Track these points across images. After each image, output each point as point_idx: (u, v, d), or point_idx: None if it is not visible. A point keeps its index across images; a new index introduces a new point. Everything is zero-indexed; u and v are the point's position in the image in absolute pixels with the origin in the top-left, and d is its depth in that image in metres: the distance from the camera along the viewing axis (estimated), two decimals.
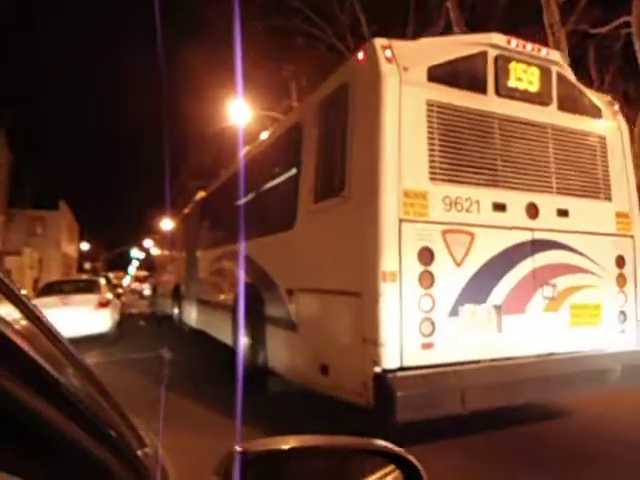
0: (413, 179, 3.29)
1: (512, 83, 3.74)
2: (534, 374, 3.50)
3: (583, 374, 3.65)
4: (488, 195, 3.54)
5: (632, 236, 4.12)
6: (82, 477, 0.49)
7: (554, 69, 3.92)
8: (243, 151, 6.82)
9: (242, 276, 5.74)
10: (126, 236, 56.68)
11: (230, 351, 6.15)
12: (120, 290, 22.40)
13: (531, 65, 3.81)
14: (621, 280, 3.99)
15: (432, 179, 3.36)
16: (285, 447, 0.78)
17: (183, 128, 29.19)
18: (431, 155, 3.38)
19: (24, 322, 0.47)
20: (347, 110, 3.63)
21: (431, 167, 3.37)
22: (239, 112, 17.29)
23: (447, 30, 17.76)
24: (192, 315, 9.32)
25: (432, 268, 3.27)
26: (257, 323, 5.09)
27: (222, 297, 6.78)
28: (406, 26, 18.90)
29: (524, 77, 3.78)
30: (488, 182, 3.56)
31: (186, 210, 11.57)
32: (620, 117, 4.27)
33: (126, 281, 44.34)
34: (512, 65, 3.74)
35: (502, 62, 3.70)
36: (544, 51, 3.88)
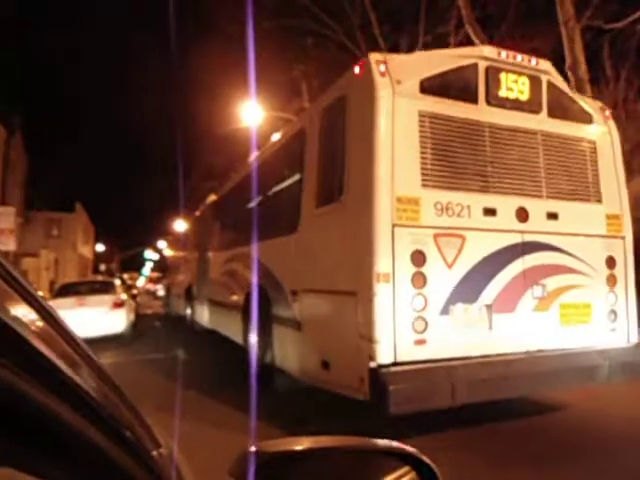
0: (406, 186, 3.54)
1: (503, 93, 3.97)
2: (523, 370, 3.74)
3: (571, 370, 3.88)
4: (479, 200, 3.78)
5: (623, 237, 4.32)
6: (97, 477, 0.50)
7: (544, 78, 4.14)
8: (251, 157, 7.13)
9: (254, 278, 6.04)
10: (140, 237, 57.70)
11: (241, 350, 6.46)
12: (135, 291, 22.95)
13: (521, 75, 4.04)
14: (612, 280, 4.20)
15: (424, 186, 3.61)
16: (299, 448, 0.80)
17: (196, 130, 29.68)
18: (423, 163, 3.63)
19: (40, 323, 0.47)
20: (345, 120, 3.90)
21: (423, 174, 3.62)
22: (251, 113, 17.53)
23: (458, 28, 17.87)
24: (204, 315, 9.68)
25: (424, 269, 3.52)
26: (264, 323, 5.38)
27: (232, 298, 7.10)
28: (417, 24, 18.98)
29: (514, 86, 4.01)
30: (479, 188, 3.80)
31: (197, 212, 11.94)
32: (611, 122, 4.47)
33: (140, 282, 45.27)
34: (502, 75, 3.97)
35: (493, 73, 3.94)
36: (534, 61, 4.10)
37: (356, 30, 19.42)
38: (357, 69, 3.81)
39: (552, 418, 4.25)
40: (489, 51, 3.97)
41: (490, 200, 3.82)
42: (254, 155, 7.11)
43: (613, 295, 4.20)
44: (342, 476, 0.87)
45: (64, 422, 0.43)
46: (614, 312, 4.19)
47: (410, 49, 19.23)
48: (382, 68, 3.61)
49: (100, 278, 17.61)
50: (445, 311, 3.59)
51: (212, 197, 10.11)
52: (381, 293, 3.38)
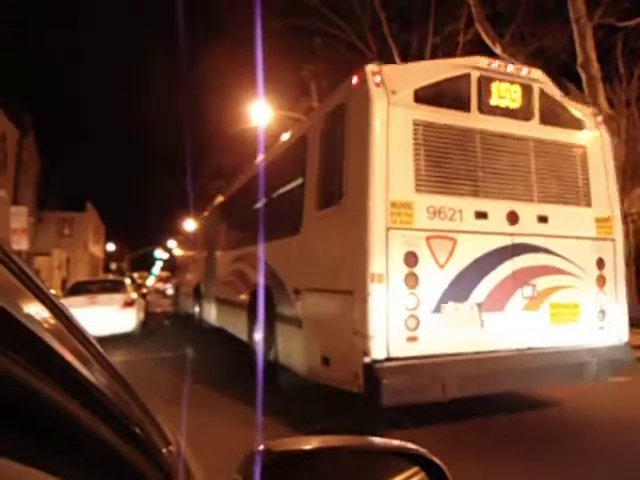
0: (400, 191, 3.78)
1: (494, 101, 4.20)
2: (513, 366, 3.96)
3: (560, 367, 4.09)
4: (471, 204, 4.00)
5: (613, 239, 4.52)
6: (108, 474, 0.50)
7: (536, 86, 4.35)
8: (256, 159, 7.41)
9: (261, 277, 6.31)
10: (150, 237, 58.62)
11: (246, 348, 6.74)
12: (145, 290, 23.39)
13: (513, 83, 4.26)
14: (601, 281, 4.40)
15: (417, 191, 3.85)
16: (307, 447, 0.81)
17: (205, 130, 30.09)
18: (417, 169, 3.87)
19: (53, 321, 0.48)
20: (343, 127, 4.15)
21: (417, 180, 3.85)
22: (260, 113, 17.77)
23: (468, 26, 17.97)
24: (211, 314, 10.00)
25: (417, 270, 3.76)
26: (269, 321, 5.65)
27: (238, 297, 7.38)
28: (427, 23, 19.11)
29: (506, 95, 4.23)
30: (471, 192, 4.03)
31: (205, 213, 12.27)
32: (603, 128, 4.67)
33: (150, 281, 45.96)
34: (494, 84, 4.19)
35: (485, 82, 4.16)
36: (525, 70, 4.32)
37: (366, 30, 19.58)
38: (354, 79, 4.06)
39: (543, 414, 4.47)
40: (481, 61, 4.20)
41: (481, 204, 4.04)
42: (259, 158, 7.39)
43: (603, 295, 4.40)
44: (350, 476, 0.88)
45: (75, 419, 0.43)
46: (604, 312, 4.39)
47: (420, 48, 19.39)
48: (377, 79, 3.85)
49: (111, 277, 18.01)
50: (437, 310, 3.82)
51: (219, 198, 10.43)
52: (375, 292, 3.62)
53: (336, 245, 4.17)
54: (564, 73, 15.05)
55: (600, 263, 4.42)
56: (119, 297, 10.66)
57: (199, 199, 24.97)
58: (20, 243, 16.21)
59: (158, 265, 63.19)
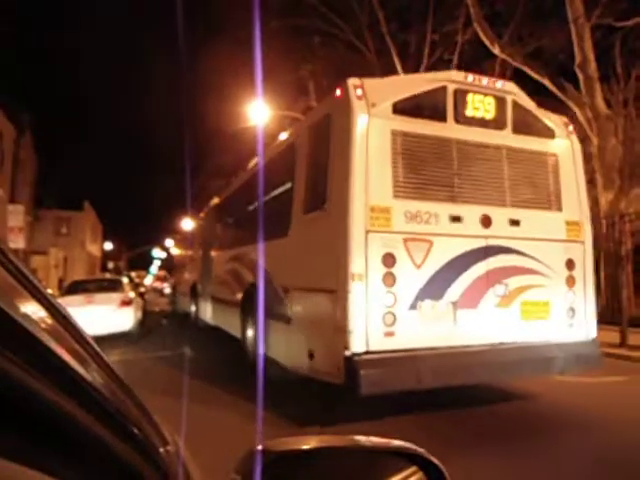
0: (379, 196, 4.15)
1: (469, 112, 4.56)
2: (485, 360, 4.33)
3: (529, 361, 4.46)
4: (446, 209, 4.37)
5: (582, 242, 4.89)
6: (105, 474, 0.51)
7: (509, 98, 4.72)
8: (250, 164, 7.79)
9: (259, 276, 6.69)
10: (148, 236, 59.09)
11: (241, 344, 7.11)
12: (142, 289, 23.79)
13: (487, 95, 4.63)
14: (571, 280, 4.77)
15: (395, 196, 4.22)
16: (306, 447, 0.82)
17: (204, 129, 30.46)
18: (395, 176, 4.24)
19: (50, 320, 0.48)
20: (327, 136, 4.52)
21: (395, 186, 4.22)
22: (258, 112, 18.05)
23: (466, 26, 18.28)
24: (207, 312, 10.39)
25: (394, 270, 4.13)
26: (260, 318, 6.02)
27: (232, 295, 7.76)
28: (425, 23, 19.39)
29: (481, 106, 4.59)
30: (446, 197, 4.40)
31: (202, 214, 12.67)
32: (574, 137, 5.04)
33: (148, 280, 46.49)
34: (470, 96, 4.56)
35: (460, 94, 4.53)
36: (499, 83, 4.69)
37: (364, 29, 19.85)
38: (338, 92, 4.43)
39: (517, 406, 4.85)
40: (456, 75, 4.56)
41: (456, 209, 4.41)
42: (252, 163, 7.78)
43: (572, 294, 4.77)
44: (349, 476, 0.89)
45: (73, 419, 0.44)
46: (573, 309, 4.76)
47: (418, 48, 19.70)
48: (359, 92, 4.22)
49: (108, 276, 18.31)
50: (413, 307, 4.19)
51: (215, 199, 10.82)
52: (355, 291, 3.99)
53: (320, 247, 4.54)
54: (562, 73, 15.36)
55: (570, 264, 4.79)
56: (116, 296, 10.80)
57: (198, 198, 25.38)
58: (17, 242, 16.54)
59: (156, 264, 63.84)
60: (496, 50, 16.07)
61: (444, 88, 4.51)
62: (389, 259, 4.12)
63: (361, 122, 4.17)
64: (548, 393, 5.17)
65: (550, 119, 5.01)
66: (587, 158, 18.58)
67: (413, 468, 0.88)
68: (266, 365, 5.88)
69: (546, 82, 15.01)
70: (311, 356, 4.58)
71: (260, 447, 0.79)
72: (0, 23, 16.72)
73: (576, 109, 14.52)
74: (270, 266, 5.86)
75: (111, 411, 0.53)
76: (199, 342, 10.02)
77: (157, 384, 5.64)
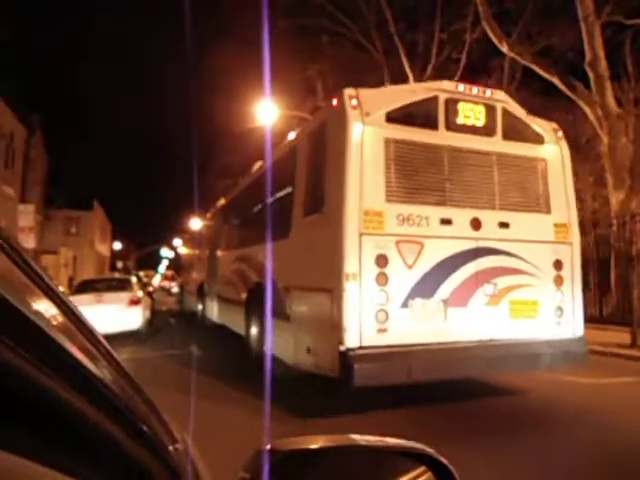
0: (372, 201, 4.47)
1: (460, 120, 4.87)
2: (473, 355, 4.64)
3: (517, 357, 4.76)
4: (437, 212, 4.68)
5: (570, 243, 5.17)
6: (115, 471, 0.52)
7: (499, 105, 5.02)
8: (254, 167, 8.15)
9: (255, 276, 7.05)
10: (156, 235, 60.08)
11: (246, 342, 7.47)
12: (151, 288, 24.30)
13: (477, 104, 4.93)
14: (558, 280, 5.06)
15: (388, 201, 4.54)
16: (314, 446, 0.83)
17: (212, 129, 30.97)
18: (388, 181, 4.56)
19: (61, 318, 0.50)
20: (325, 143, 4.85)
21: (387, 191, 4.54)
22: (266, 112, 18.34)
23: (475, 25, 18.43)
24: (214, 311, 10.78)
25: (387, 270, 4.45)
26: (263, 316, 6.37)
27: (237, 294, 8.13)
28: (433, 21, 19.58)
29: (471, 114, 4.90)
30: (437, 201, 4.71)
31: (208, 214, 13.09)
32: (563, 142, 5.32)
33: (156, 280, 47.22)
34: (460, 105, 4.87)
35: (451, 103, 4.84)
36: (489, 92, 4.99)
37: (372, 29, 20.05)
38: (335, 101, 4.76)
39: (507, 401, 5.16)
40: (447, 85, 4.87)
41: (447, 212, 4.72)
42: (256, 166, 8.14)
43: (560, 293, 5.06)
44: (357, 475, 0.90)
45: (83, 415, 0.45)
46: (561, 308, 5.05)
47: (426, 47, 19.90)
48: (354, 102, 4.55)
49: (117, 275, 18.76)
50: (405, 305, 4.51)
51: (221, 201, 11.21)
52: (349, 289, 4.32)
53: (318, 248, 4.87)
54: (572, 72, 15.46)
55: (558, 264, 5.07)
56: (125, 295, 11.06)
57: (206, 198, 25.81)
58: (28, 241, 17.02)
59: (164, 264, 64.66)
60: (505, 49, 16.14)
61: (436, 97, 4.81)
62: (382, 260, 4.44)
63: (356, 130, 4.49)
64: (555, 393, 5.35)
65: (539, 125, 5.29)
66: (597, 157, 18.71)
67: (422, 468, 0.89)
68: (269, 362, 6.22)
69: (555, 80, 15.10)
70: (309, 352, 4.92)
71: (268, 446, 0.81)
72: (8, 24, 17.24)
73: (586, 108, 14.61)
74: (273, 266, 6.20)
75: (121, 408, 0.55)
76: (206, 340, 10.34)
77: (165, 382, 5.82)
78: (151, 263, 64.36)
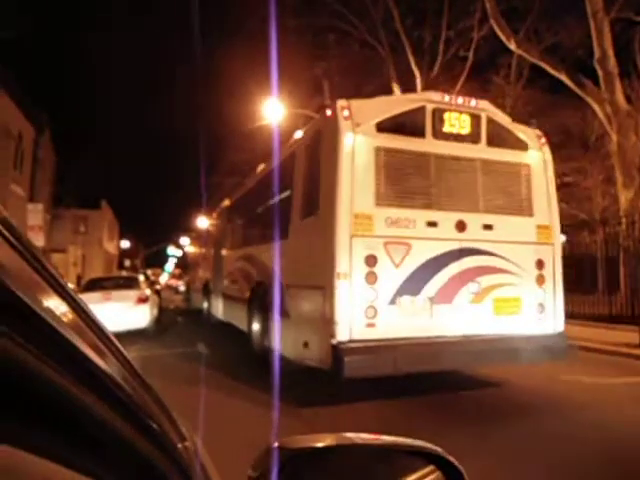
0: (362, 205, 4.92)
1: (447, 128, 5.30)
2: (457, 349, 5.08)
3: (499, 351, 5.19)
4: (423, 215, 5.12)
5: (552, 244, 5.59)
6: (125, 468, 0.53)
7: (483, 114, 5.44)
8: (257, 170, 8.64)
9: (257, 274, 7.53)
10: (164, 234, 60.96)
11: (248, 337, 7.95)
12: (158, 287, 24.92)
13: (463, 113, 5.36)
14: (540, 279, 5.48)
15: (377, 205, 4.98)
16: (323, 445, 0.86)
17: (220, 127, 31.55)
18: (377, 187, 5.00)
19: (72, 315, 0.51)
20: (320, 151, 5.31)
21: (377, 196, 4.99)
22: (273, 110, 18.74)
23: (482, 22, 18.69)
24: (219, 308, 11.31)
25: (376, 269, 4.90)
26: (265, 313, 6.86)
27: (240, 293, 8.63)
28: (440, 19, 19.87)
29: (457, 123, 5.33)
30: (424, 205, 5.15)
31: (214, 214, 13.64)
32: (546, 148, 5.73)
33: (163, 278, 48.11)
34: (447, 114, 5.30)
35: (438, 113, 5.27)
36: (474, 102, 5.42)
37: (378, 27, 20.34)
38: (328, 111, 5.21)
39: (490, 392, 5.60)
40: (434, 95, 5.30)
41: (433, 215, 5.16)
42: (259, 169, 8.63)
43: (541, 291, 5.48)
44: (365, 474, 0.91)
45: (92, 412, 0.46)
46: (542, 305, 5.47)
47: (433, 45, 20.21)
48: (346, 113, 5.00)
49: (125, 274, 19.26)
50: (393, 302, 4.96)
51: (225, 202, 11.73)
52: (340, 287, 4.78)
53: (313, 249, 5.33)
54: (580, 69, 15.68)
55: (540, 264, 5.49)
56: (133, 294, 11.35)
57: (213, 196, 26.38)
58: (37, 240, 17.60)
59: (171, 262, 65.62)
60: (512, 46, 16.30)
61: (423, 108, 5.25)
62: (371, 260, 4.89)
63: (347, 140, 4.94)
64: (557, 392, 5.59)
65: (523, 132, 5.71)
66: (607, 155, 18.92)
67: (430, 467, 0.91)
68: (270, 357, 6.70)
69: (564, 78, 15.26)
70: (306, 346, 5.38)
71: (277, 444, 0.82)
72: (18, 23, 17.83)
73: (595, 105, 14.78)
74: (274, 265, 6.67)
75: (131, 406, 0.56)
76: (212, 338, 10.76)
77: (173, 379, 6.01)
78: (159, 261, 65.65)
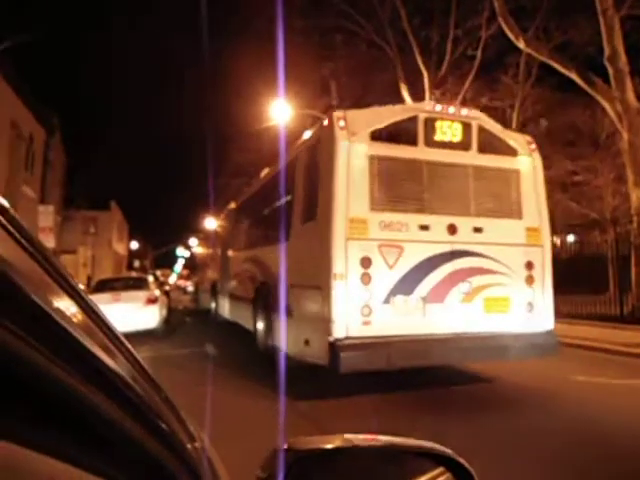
0: (357, 210, 5.32)
1: (439, 136, 5.69)
2: (448, 346, 5.46)
3: (488, 348, 5.57)
4: (415, 219, 5.51)
5: (541, 245, 5.95)
6: (134, 468, 0.54)
7: (474, 123, 5.82)
8: (261, 175, 9.09)
9: (261, 275, 7.96)
10: (172, 235, 61.91)
11: (253, 336, 8.39)
12: (167, 287, 25.50)
13: (454, 121, 5.74)
14: (529, 279, 5.84)
15: (372, 209, 5.38)
16: (331, 446, 0.87)
17: (226, 128, 32.05)
18: (372, 192, 5.40)
19: (82, 316, 0.52)
20: (318, 159, 5.72)
21: (371, 201, 5.39)
22: (280, 111, 19.12)
23: (490, 21, 18.90)
24: (225, 308, 11.79)
25: (370, 271, 5.30)
26: (268, 312, 7.29)
27: (245, 293, 9.08)
28: (448, 18, 20.11)
29: (448, 131, 5.71)
30: (416, 209, 5.54)
31: (221, 216, 14.15)
32: (536, 154, 6.09)
33: (172, 279, 48.93)
34: (438, 123, 5.69)
35: (430, 122, 5.66)
36: (465, 111, 5.80)
37: (386, 27, 20.60)
38: (326, 121, 5.62)
39: (481, 387, 5.98)
40: (427, 105, 5.70)
41: (425, 219, 5.55)
42: (263, 173, 9.08)
43: (531, 291, 5.84)
44: (374, 476, 0.94)
45: (102, 412, 0.47)
46: (531, 304, 5.83)
47: (440, 44, 20.46)
48: (342, 123, 5.40)
49: (134, 275, 19.72)
50: (387, 301, 5.35)
51: (232, 205, 12.20)
52: (337, 287, 5.18)
53: (312, 251, 5.74)
54: (590, 67, 15.83)
55: (529, 265, 5.86)
56: (142, 294, 11.67)
57: (221, 197, 26.86)
58: (47, 241, 18.16)
59: (180, 263, 66.57)
60: (521, 45, 16.43)
61: (415, 117, 5.64)
62: (366, 261, 5.29)
63: (343, 148, 5.35)
64: (561, 392, 5.73)
65: (514, 139, 6.08)
66: (618, 154, 19.04)
67: (440, 469, 0.91)
68: (274, 354, 7.12)
69: (573, 76, 15.37)
70: (306, 343, 5.79)
71: (285, 446, 0.83)
72: (32, 27, 18.42)
73: (605, 104, 14.91)
74: (277, 267, 7.10)
75: (141, 406, 0.57)
76: (220, 337, 11.12)
77: (182, 379, 6.22)
78: (167, 262, 66.68)
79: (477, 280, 5.67)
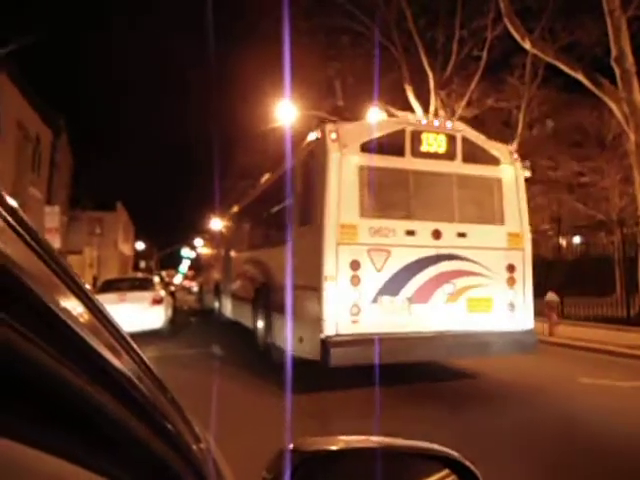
0: (348, 217, 5.90)
1: (424, 148, 6.25)
2: (433, 343, 6.03)
3: (471, 345, 6.13)
4: (402, 225, 6.08)
5: (522, 249, 6.50)
6: (140, 469, 0.55)
7: (458, 135, 6.39)
8: (262, 180, 9.71)
9: (261, 276, 8.57)
10: (178, 236, 62.88)
11: (253, 334, 8.98)
12: (173, 288, 26.21)
13: (439, 134, 6.30)
14: (511, 281, 6.39)
15: (361, 216, 5.96)
16: (336, 448, 0.90)
17: (232, 130, 32.70)
18: (361, 200, 5.98)
19: (88, 316, 0.53)
20: (311, 168, 6.31)
21: (361, 208, 5.97)
22: (286, 112, 19.63)
23: (496, 21, 19.31)
24: (228, 308, 12.44)
25: (359, 273, 5.87)
26: (268, 311, 7.89)
27: (246, 293, 9.71)
28: (453, 18, 20.54)
29: (434, 143, 6.28)
30: (403, 216, 6.11)
31: (225, 218, 14.82)
32: (518, 163, 6.64)
33: (177, 279, 49.84)
34: (424, 135, 6.26)
35: (416, 134, 6.24)
36: (449, 124, 6.37)
37: (392, 27, 21.07)
38: (319, 133, 6.20)
39: (466, 382, 6.53)
40: (413, 118, 6.27)
41: (411, 225, 6.12)
42: (264, 178, 9.70)
43: (512, 292, 6.40)
44: (380, 477, 0.93)
45: (107, 412, 0.48)
46: (512, 305, 6.38)
47: (446, 45, 20.92)
48: (333, 136, 5.99)
49: (140, 275, 20.29)
50: (375, 301, 5.92)
51: (235, 208, 12.84)
52: (328, 288, 5.77)
53: (307, 254, 6.32)
54: (597, 68, 16.18)
55: (510, 268, 6.41)
56: (148, 295, 12.00)
57: (227, 198, 27.46)
58: (53, 242, 18.80)
59: (185, 263, 67.58)
60: (527, 45, 16.74)
61: (403, 130, 6.21)
62: (355, 264, 5.87)
63: (335, 160, 5.93)
64: (564, 394, 6.02)
65: (497, 149, 6.64)
66: (624, 155, 19.42)
67: (446, 471, 0.94)
68: (273, 352, 7.72)
69: (580, 77, 15.69)
70: (301, 340, 6.37)
71: (291, 447, 0.87)
72: (38, 28, 19.06)
73: (612, 104, 15.26)
74: (275, 267, 7.72)
75: (146, 406, 0.58)
76: (223, 337, 11.55)
77: (187, 379, 6.27)
78: (173, 263, 67.86)
79: (460, 282, 6.23)
